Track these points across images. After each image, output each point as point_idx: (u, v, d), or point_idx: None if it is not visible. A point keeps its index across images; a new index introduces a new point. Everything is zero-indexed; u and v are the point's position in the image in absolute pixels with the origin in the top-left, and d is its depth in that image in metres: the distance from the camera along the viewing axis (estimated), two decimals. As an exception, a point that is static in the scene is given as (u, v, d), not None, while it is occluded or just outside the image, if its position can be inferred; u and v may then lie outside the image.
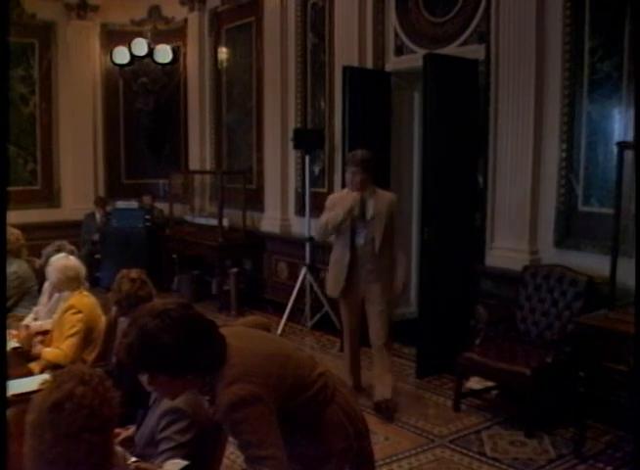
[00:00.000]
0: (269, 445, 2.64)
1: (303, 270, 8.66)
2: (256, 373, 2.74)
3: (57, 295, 5.64)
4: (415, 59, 7.43)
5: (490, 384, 6.41)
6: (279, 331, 8.60)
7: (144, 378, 2.72)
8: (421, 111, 7.72)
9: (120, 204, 11.39)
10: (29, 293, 6.71)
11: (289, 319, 8.69)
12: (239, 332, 3.05)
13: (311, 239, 8.58)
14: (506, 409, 6.12)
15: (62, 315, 5.19)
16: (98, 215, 11.32)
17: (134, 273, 4.54)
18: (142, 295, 4.42)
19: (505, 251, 6.68)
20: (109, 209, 11.57)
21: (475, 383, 6.56)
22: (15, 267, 6.62)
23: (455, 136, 6.83)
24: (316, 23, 9.03)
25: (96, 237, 11.06)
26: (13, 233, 6.81)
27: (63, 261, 5.49)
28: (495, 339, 6.33)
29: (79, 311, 5.14)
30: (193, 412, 3.14)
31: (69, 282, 5.38)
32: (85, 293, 5.38)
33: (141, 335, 2.64)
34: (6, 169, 5.33)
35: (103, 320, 5.34)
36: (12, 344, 5.18)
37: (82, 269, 5.55)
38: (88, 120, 12.18)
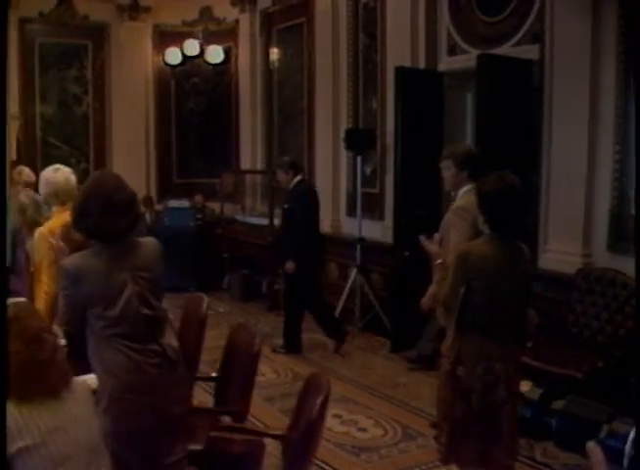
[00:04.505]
0: None
1: (354, 271, 8.65)
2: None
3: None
4: (468, 59, 7.38)
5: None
6: (329, 331, 8.63)
7: None
8: (473, 111, 7.66)
9: (172, 203, 11.48)
10: None
11: (339, 320, 8.66)
12: None
13: (362, 240, 8.56)
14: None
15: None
16: (147, 215, 11.42)
17: None
18: None
19: (558, 254, 6.61)
20: (160, 208, 11.68)
21: (525, 386, 6.49)
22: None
23: (508, 137, 6.76)
24: (367, 24, 9.02)
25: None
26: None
27: (50, 174, 5.10)
28: (547, 342, 6.28)
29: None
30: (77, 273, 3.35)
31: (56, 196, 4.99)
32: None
33: None
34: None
35: None
36: None
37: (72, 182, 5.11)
38: (140, 120, 12.32)
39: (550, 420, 5.40)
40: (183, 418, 3.51)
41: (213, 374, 4.64)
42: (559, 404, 5.46)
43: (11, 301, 2.76)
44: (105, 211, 3.31)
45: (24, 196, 6.15)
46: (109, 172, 3.60)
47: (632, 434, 3.24)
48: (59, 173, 5.06)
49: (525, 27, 7.04)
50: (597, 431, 4.88)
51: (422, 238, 5.65)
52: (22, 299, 4.07)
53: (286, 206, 8.08)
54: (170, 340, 3.52)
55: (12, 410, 2.51)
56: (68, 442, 2.60)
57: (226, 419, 4.16)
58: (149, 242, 3.63)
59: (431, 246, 5.46)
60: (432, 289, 5.38)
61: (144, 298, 3.40)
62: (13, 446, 2.48)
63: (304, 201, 7.90)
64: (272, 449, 4.28)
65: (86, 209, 3.33)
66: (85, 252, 3.36)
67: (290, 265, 7.76)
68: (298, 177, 8.04)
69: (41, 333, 2.67)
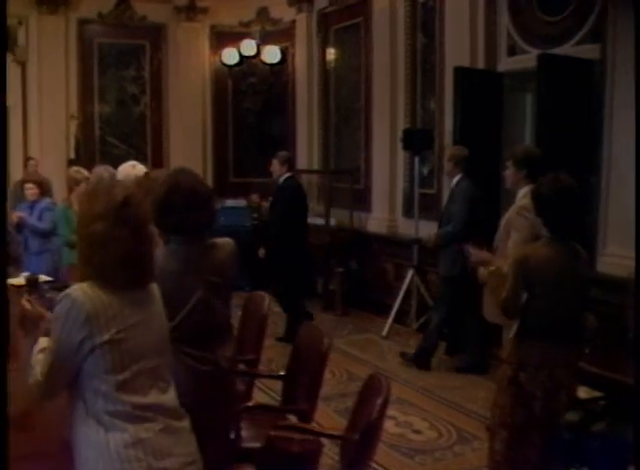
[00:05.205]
0: None
1: (410, 272, 8.60)
2: None
3: None
4: (528, 59, 7.31)
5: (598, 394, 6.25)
6: (384, 332, 8.60)
7: None
8: (533, 112, 7.58)
9: (228, 202, 11.54)
10: None
11: (394, 320, 8.64)
12: None
13: (419, 241, 8.53)
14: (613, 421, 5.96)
15: None
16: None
17: None
18: None
19: (617, 257, 6.49)
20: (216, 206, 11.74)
21: (582, 392, 6.40)
22: None
23: (568, 138, 6.68)
24: (426, 23, 8.98)
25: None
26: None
27: (129, 169, 5.31)
28: (605, 348, 6.18)
29: None
30: None
31: None
32: None
33: None
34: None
35: None
36: None
37: None
38: (197, 120, 12.43)
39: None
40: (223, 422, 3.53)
41: (281, 372, 4.64)
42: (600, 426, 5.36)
43: (121, 184, 2.71)
44: (188, 206, 3.32)
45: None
46: (187, 169, 3.60)
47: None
48: (137, 169, 5.20)
49: (586, 27, 6.93)
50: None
51: (466, 247, 5.58)
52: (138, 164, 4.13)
53: (271, 198, 8.81)
54: (226, 350, 3.53)
55: (103, 299, 2.49)
56: (147, 337, 2.58)
57: (292, 418, 4.18)
58: (225, 243, 3.60)
59: (480, 253, 5.38)
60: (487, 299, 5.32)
61: (209, 305, 3.39)
62: (97, 339, 2.45)
63: (286, 196, 8.48)
64: (326, 450, 4.28)
65: (169, 204, 3.33)
66: (161, 251, 3.33)
67: (261, 251, 8.71)
68: (288, 173, 8.59)
69: (146, 224, 2.65)
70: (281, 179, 8.59)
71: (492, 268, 5.02)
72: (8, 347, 3.21)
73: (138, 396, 2.51)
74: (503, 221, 5.62)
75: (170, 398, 2.65)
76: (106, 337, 2.45)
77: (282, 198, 8.54)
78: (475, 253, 5.46)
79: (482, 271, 5.21)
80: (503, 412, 4.32)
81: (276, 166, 8.61)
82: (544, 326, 4.12)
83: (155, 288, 2.76)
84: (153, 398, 2.56)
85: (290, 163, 8.69)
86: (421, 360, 7.53)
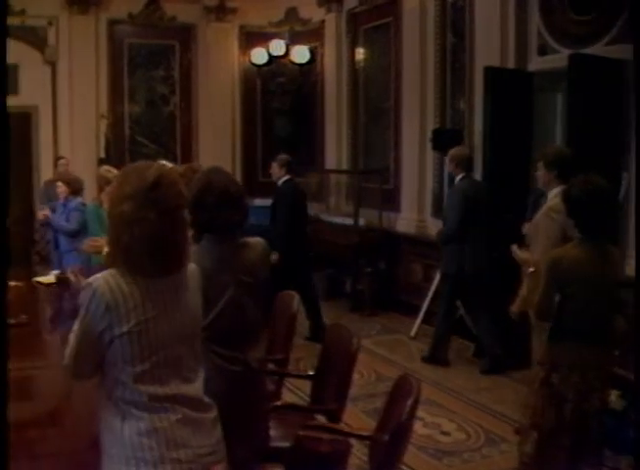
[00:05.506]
0: None
1: (439, 273, 8.56)
2: None
3: None
4: (559, 59, 7.25)
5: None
6: (413, 333, 8.58)
7: None
8: (564, 112, 7.52)
9: (257, 201, 11.54)
10: None
11: (423, 321, 8.60)
12: None
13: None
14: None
15: None
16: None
17: None
18: None
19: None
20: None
21: (613, 397, 6.35)
22: None
23: (599, 139, 6.63)
24: (456, 23, 8.93)
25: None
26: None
27: None
28: (634, 350, 6.11)
29: None
30: None
31: None
32: None
33: None
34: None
35: None
36: None
37: None
38: (226, 119, 12.45)
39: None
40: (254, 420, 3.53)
41: (310, 372, 4.65)
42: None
43: (156, 165, 2.64)
44: (221, 204, 3.34)
45: None
46: (220, 168, 3.62)
47: None
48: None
49: (617, 26, 6.87)
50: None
51: (514, 247, 5.60)
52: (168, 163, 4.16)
53: (272, 201, 8.88)
54: (256, 350, 3.53)
55: (124, 289, 2.47)
56: (171, 327, 2.55)
57: (321, 418, 4.18)
58: (257, 243, 3.60)
59: (523, 254, 5.38)
60: (522, 294, 5.31)
61: (241, 304, 3.40)
62: (116, 330, 2.45)
63: (286, 199, 8.64)
64: (355, 450, 4.28)
65: (202, 202, 3.35)
66: (194, 249, 3.32)
67: (274, 256, 8.26)
68: (287, 176, 8.74)
69: (178, 208, 2.59)
70: (280, 182, 8.78)
71: (532, 269, 5.01)
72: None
73: (156, 386, 2.51)
74: (534, 222, 5.61)
75: (194, 388, 2.63)
76: (125, 328, 2.45)
77: (281, 201, 8.66)
78: (518, 253, 5.47)
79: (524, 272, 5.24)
80: (534, 413, 4.31)
81: (275, 169, 8.84)
82: (577, 327, 4.11)
83: (190, 276, 2.71)
84: (173, 388, 2.55)
85: (288, 165, 8.79)
86: (433, 357, 7.64)
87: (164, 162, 5.49)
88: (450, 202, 7.56)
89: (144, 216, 2.47)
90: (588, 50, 7.04)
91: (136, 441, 2.47)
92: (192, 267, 2.76)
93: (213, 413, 2.70)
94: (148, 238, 2.48)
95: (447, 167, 7.80)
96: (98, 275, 2.52)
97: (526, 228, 6.36)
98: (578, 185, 4.18)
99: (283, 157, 8.91)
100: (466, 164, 7.47)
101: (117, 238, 2.52)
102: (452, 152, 7.60)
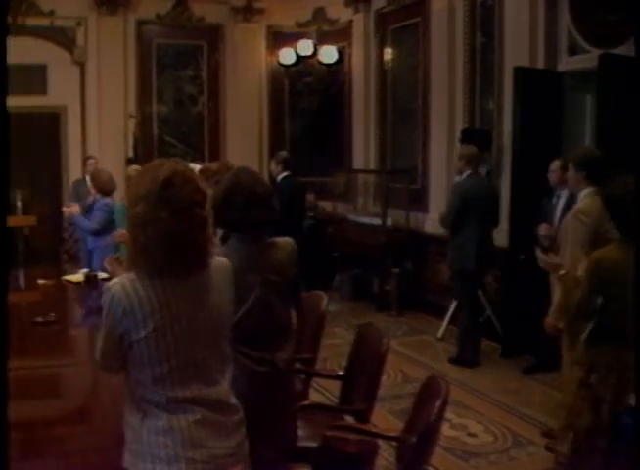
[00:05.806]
0: None
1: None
2: None
3: None
4: (589, 59, 7.20)
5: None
6: (440, 334, 8.56)
7: None
8: (594, 112, 7.47)
9: (284, 201, 11.58)
10: None
11: (450, 322, 8.57)
12: None
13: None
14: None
15: None
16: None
17: None
18: None
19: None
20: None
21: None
22: None
23: (630, 139, 6.56)
24: (485, 23, 8.88)
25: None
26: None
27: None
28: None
29: None
30: None
31: None
32: None
33: None
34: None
35: None
36: None
37: None
38: (254, 119, 12.49)
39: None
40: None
41: (339, 372, 4.63)
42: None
43: (169, 163, 2.60)
44: (248, 204, 3.35)
45: None
46: (247, 168, 3.63)
47: None
48: (196, 169, 5.30)
49: (649, 25, 6.82)
50: None
51: (539, 253, 5.55)
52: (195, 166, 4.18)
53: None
54: (283, 352, 3.51)
55: (141, 294, 2.46)
56: (192, 331, 2.54)
57: (349, 419, 4.17)
58: (285, 243, 3.59)
59: (553, 258, 5.33)
60: (556, 300, 5.25)
61: (268, 304, 3.39)
62: (134, 335, 2.46)
63: (283, 196, 8.34)
64: (382, 451, 4.26)
65: (229, 201, 3.36)
66: (223, 248, 3.35)
67: None
68: (285, 173, 8.95)
69: (193, 206, 2.52)
70: (278, 179, 8.97)
71: (562, 272, 4.97)
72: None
73: (175, 389, 2.52)
74: (563, 224, 5.57)
75: (217, 391, 2.62)
76: (142, 334, 2.46)
77: (279, 198, 8.54)
78: (544, 259, 5.43)
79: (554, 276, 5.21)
80: (571, 414, 4.28)
81: (273, 166, 9.14)
82: (617, 328, 4.08)
83: (218, 272, 2.69)
84: (193, 390, 2.55)
85: (286, 163, 8.98)
86: (460, 359, 7.65)
87: (192, 164, 5.50)
88: (452, 198, 7.83)
89: (157, 216, 2.46)
90: (618, 50, 6.98)
91: (153, 439, 2.50)
92: (222, 262, 2.75)
93: (237, 416, 2.70)
94: (164, 237, 2.47)
95: (456, 164, 7.85)
96: (117, 279, 2.54)
97: (543, 230, 6.35)
98: (617, 187, 4.16)
99: (281, 154, 9.22)
100: (475, 162, 7.62)
101: (134, 239, 2.52)
102: (462, 150, 7.78)
